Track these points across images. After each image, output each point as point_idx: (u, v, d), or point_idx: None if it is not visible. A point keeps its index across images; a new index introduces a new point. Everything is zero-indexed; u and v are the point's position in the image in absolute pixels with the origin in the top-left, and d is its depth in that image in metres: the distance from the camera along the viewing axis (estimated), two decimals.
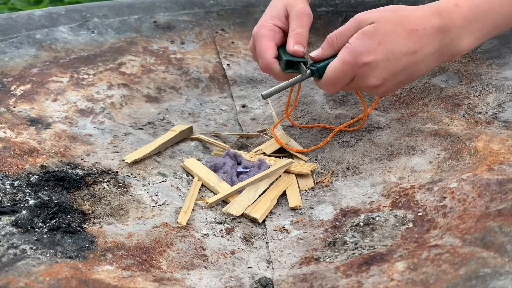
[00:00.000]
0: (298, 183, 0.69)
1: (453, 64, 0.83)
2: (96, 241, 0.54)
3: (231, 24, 1.06)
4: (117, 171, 0.68)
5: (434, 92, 0.78)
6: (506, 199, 0.51)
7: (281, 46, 0.73)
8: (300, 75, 0.68)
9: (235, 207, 0.64)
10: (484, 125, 0.69)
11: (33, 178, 0.62)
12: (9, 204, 0.57)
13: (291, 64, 0.69)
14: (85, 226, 0.57)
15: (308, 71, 0.67)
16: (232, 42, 1.02)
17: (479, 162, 0.59)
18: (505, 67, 0.79)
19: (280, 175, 0.70)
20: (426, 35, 0.61)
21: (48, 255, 0.49)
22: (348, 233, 0.57)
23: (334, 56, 0.65)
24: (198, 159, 0.75)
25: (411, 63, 0.62)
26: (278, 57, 0.71)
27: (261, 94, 0.68)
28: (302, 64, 0.69)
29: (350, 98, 0.84)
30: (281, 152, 0.76)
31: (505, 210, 0.49)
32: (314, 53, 0.67)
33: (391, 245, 0.52)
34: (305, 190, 0.68)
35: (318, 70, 0.66)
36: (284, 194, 0.68)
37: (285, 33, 0.73)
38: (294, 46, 0.69)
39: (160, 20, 1.05)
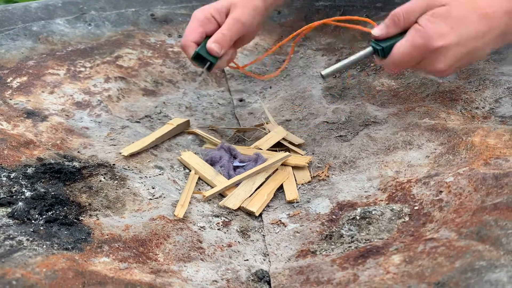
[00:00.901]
0: (295, 177, 0.69)
1: None
2: (93, 233, 0.54)
3: None
4: (114, 164, 0.68)
5: (432, 87, 0.78)
6: (502, 193, 0.51)
7: (208, 37, 0.74)
8: (363, 51, 0.64)
9: (232, 201, 0.64)
10: (481, 120, 0.69)
11: (29, 170, 0.62)
12: (5, 196, 0.57)
13: (200, 57, 0.72)
14: (82, 218, 0.57)
15: (370, 49, 0.64)
16: None
17: (475, 157, 0.59)
18: (502, 63, 0.79)
19: (277, 169, 0.70)
20: (496, 18, 0.60)
21: (44, 246, 0.49)
22: (345, 227, 0.57)
23: (399, 34, 0.62)
24: (195, 153, 0.75)
25: (477, 47, 0.61)
26: (200, 44, 0.73)
27: (321, 74, 0.66)
28: (208, 63, 0.72)
29: (348, 93, 0.84)
30: (278, 146, 0.76)
31: (501, 204, 0.49)
32: (378, 32, 0.63)
33: (387, 239, 0.53)
34: (302, 184, 0.68)
35: (383, 50, 0.62)
36: (281, 188, 0.68)
37: (219, 26, 0.75)
38: (212, 43, 0.72)
39: (158, 13, 1.05)
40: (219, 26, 0.74)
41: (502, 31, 0.61)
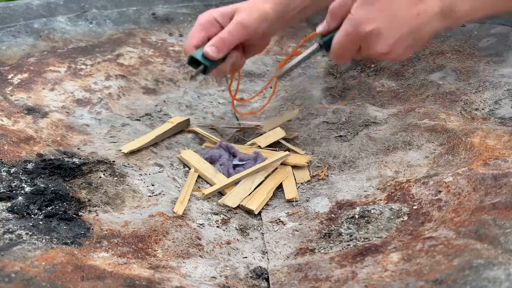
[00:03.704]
0: (294, 176, 0.69)
1: (451, 61, 0.84)
2: (92, 229, 0.54)
3: None
4: (113, 161, 0.68)
5: (432, 88, 0.78)
6: (501, 193, 0.51)
7: None
8: (311, 49, 0.66)
9: (231, 199, 0.65)
10: (481, 121, 0.69)
11: (29, 166, 0.62)
12: (5, 191, 0.57)
13: (196, 60, 0.69)
14: (81, 213, 0.57)
15: (317, 46, 0.66)
16: None
17: (474, 157, 0.59)
18: (502, 65, 0.79)
19: (277, 168, 0.70)
20: None
21: (44, 241, 0.49)
22: (344, 225, 0.57)
23: (339, 27, 0.62)
24: (195, 151, 0.75)
25: (416, 26, 0.60)
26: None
27: (275, 76, 0.69)
28: (202, 66, 0.69)
29: (348, 94, 0.84)
30: (278, 145, 0.76)
31: (499, 203, 0.49)
32: (321, 28, 0.65)
33: (386, 237, 0.53)
34: (301, 183, 0.68)
35: (324, 44, 0.64)
36: (280, 187, 0.68)
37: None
38: (208, 46, 0.69)
39: (159, 12, 1.05)
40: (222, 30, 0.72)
41: (441, 8, 0.59)
